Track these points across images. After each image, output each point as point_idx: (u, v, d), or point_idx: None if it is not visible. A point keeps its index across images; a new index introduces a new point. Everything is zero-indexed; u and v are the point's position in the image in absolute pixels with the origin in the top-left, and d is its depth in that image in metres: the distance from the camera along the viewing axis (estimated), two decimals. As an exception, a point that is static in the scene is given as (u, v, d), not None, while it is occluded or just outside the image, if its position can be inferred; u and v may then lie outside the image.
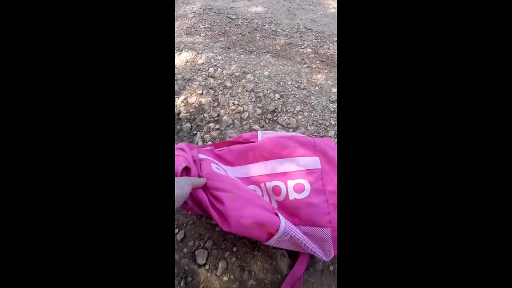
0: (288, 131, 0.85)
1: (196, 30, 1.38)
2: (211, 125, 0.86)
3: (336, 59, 1.12)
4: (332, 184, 0.52)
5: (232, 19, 1.45)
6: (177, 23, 1.46)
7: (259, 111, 0.89)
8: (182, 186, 0.37)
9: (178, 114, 0.93)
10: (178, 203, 0.37)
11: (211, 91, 0.96)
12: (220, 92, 0.96)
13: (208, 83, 1.00)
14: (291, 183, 0.53)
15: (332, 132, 0.84)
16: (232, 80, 1.00)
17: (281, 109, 0.93)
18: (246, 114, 0.88)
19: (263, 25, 1.39)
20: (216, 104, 0.92)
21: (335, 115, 0.89)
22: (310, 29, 1.33)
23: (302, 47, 1.21)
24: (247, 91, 0.97)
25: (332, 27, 1.33)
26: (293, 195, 0.52)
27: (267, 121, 0.87)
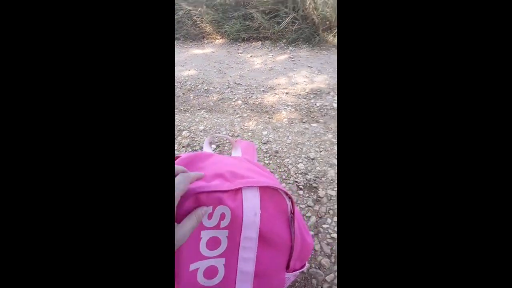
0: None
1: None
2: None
3: (263, 107, 1.24)
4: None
5: (167, 83, 1.53)
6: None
7: (196, 163, 0.91)
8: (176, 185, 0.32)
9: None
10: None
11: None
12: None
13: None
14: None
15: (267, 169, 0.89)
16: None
17: (218, 158, 0.96)
18: (184, 169, 0.88)
19: (196, 85, 1.50)
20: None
21: (268, 155, 0.95)
22: (240, 84, 1.47)
23: (233, 100, 1.32)
24: (183, 146, 0.99)
25: (258, 79, 1.50)
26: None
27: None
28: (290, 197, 0.43)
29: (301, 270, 0.54)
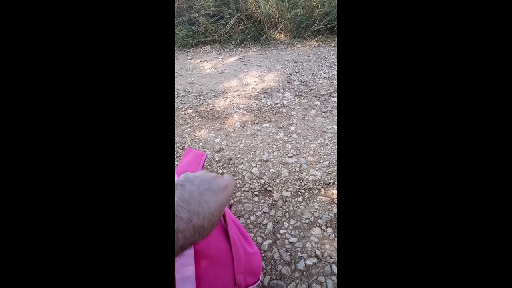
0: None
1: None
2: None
3: (215, 113, 1.17)
4: None
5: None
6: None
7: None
8: None
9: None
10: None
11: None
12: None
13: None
14: None
15: (221, 181, 0.83)
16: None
17: (168, 175, 0.88)
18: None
19: (143, 99, 1.39)
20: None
21: (222, 163, 0.90)
22: (189, 91, 1.39)
23: (183, 110, 1.24)
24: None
25: (208, 85, 1.43)
26: None
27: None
28: None
29: (256, 284, 0.50)
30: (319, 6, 1.79)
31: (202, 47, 1.93)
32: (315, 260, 0.61)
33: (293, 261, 0.62)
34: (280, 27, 1.84)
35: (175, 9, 2.07)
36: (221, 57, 1.74)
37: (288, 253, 0.63)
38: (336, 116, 1.07)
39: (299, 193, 0.77)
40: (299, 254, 0.63)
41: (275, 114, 1.12)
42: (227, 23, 1.89)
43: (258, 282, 0.50)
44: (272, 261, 0.62)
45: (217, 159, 0.92)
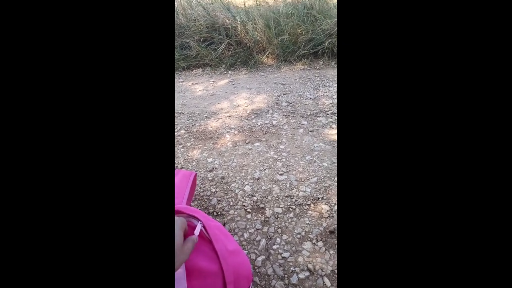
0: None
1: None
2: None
3: (207, 133, 1.21)
4: None
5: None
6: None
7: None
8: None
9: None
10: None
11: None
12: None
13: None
14: None
15: (215, 199, 0.85)
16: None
17: (162, 195, 0.89)
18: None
19: (137, 121, 1.41)
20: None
21: (215, 182, 0.92)
22: (182, 113, 1.43)
23: (176, 130, 1.27)
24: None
25: (200, 106, 1.47)
26: None
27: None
28: (197, 218, 0.44)
29: None
30: (303, 33, 1.92)
31: (194, 70, 2.00)
32: (307, 273, 0.63)
33: (286, 275, 0.63)
34: (267, 52, 1.95)
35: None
36: (212, 80, 1.81)
37: (281, 267, 0.65)
38: (322, 135, 1.13)
39: (290, 209, 0.80)
40: (292, 268, 0.64)
41: (265, 133, 1.17)
42: (218, 48, 1.98)
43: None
44: (266, 277, 0.63)
45: (210, 178, 0.94)
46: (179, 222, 0.36)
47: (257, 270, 0.65)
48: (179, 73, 2.00)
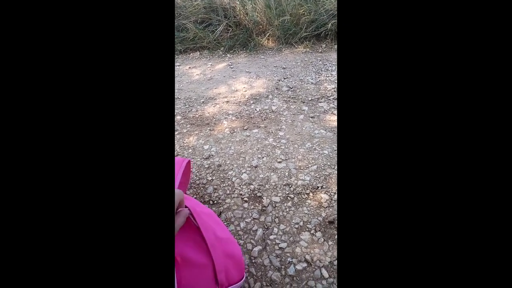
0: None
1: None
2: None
3: (204, 119, 1.16)
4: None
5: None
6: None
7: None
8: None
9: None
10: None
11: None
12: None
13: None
14: None
15: (211, 188, 0.82)
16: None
17: (157, 183, 0.86)
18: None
19: (132, 106, 1.36)
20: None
21: (211, 170, 0.88)
22: (178, 97, 1.37)
23: (172, 116, 1.22)
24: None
25: (197, 91, 1.41)
26: None
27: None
28: (187, 207, 0.41)
29: (241, 282, 0.49)
30: (305, 14, 1.81)
31: (191, 54, 1.91)
32: (305, 265, 0.61)
33: (283, 266, 0.61)
34: (268, 34, 1.85)
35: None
36: (210, 64, 1.73)
37: (278, 258, 0.62)
38: (323, 121, 1.08)
39: (288, 198, 0.76)
40: (289, 259, 0.62)
41: (264, 119, 1.12)
42: (216, 30, 1.89)
43: (243, 280, 0.49)
44: (262, 267, 0.61)
45: (206, 166, 0.91)
46: (176, 193, 0.33)
47: (253, 261, 0.62)
48: (176, 56, 1.91)
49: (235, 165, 0.89)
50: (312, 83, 1.38)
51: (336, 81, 1.38)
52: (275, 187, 0.80)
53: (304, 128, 1.05)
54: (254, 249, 0.65)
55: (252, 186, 0.81)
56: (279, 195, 0.78)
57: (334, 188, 0.79)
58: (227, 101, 1.28)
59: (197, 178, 0.86)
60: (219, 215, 0.74)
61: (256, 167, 0.88)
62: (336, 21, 1.76)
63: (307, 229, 0.68)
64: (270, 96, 1.28)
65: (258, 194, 0.78)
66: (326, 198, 0.76)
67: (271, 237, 0.67)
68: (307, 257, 0.62)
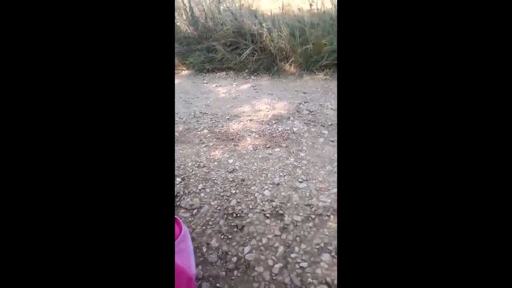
0: (192, 212, 0.81)
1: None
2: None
3: (229, 135, 1.21)
4: None
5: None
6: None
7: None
8: None
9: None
10: None
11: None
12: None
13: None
14: None
15: (234, 201, 0.84)
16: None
17: (183, 191, 0.89)
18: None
19: (161, 117, 1.43)
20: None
21: (235, 184, 0.91)
22: (205, 113, 1.44)
23: (199, 129, 1.28)
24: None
25: (223, 108, 1.48)
26: None
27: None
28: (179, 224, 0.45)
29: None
30: (327, 44, 1.90)
31: (218, 73, 2.02)
32: (325, 287, 0.61)
33: (303, 286, 0.61)
34: (291, 60, 1.94)
35: (196, 37, 2.20)
36: (235, 84, 1.82)
37: (299, 277, 0.63)
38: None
39: (309, 218, 0.77)
40: (309, 279, 0.62)
41: (286, 139, 1.15)
42: (243, 53, 1.99)
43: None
44: (283, 285, 0.61)
45: (230, 179, 0.93)
46: None
47: (273, 277, 0.63)
48: (204, 74, 2.02)
49: (257, 181, 0.92)
50: (331, 108, 1.42)
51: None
52: (296, 206, 0.81)
53: (324, 151, 1.07)
54: (275, 265, 0.65)
55: (274, 203, 0.83)
56: (300, 214, 0.79)
57: (355, 213, 0.79)
58: (251, 120, 1.33)
59: (222, 190, 0.89)
60: (242, 228, 0.75)
61: (278, 184, 0.90)
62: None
63: (328, 251, 0.68)
64: (292, 118, 1.32)
65: (280, 212, 0.80)
66: (347, 221, 0.76)
67: (292, 255, 0.68)
68: (328, 279, 0.62)
